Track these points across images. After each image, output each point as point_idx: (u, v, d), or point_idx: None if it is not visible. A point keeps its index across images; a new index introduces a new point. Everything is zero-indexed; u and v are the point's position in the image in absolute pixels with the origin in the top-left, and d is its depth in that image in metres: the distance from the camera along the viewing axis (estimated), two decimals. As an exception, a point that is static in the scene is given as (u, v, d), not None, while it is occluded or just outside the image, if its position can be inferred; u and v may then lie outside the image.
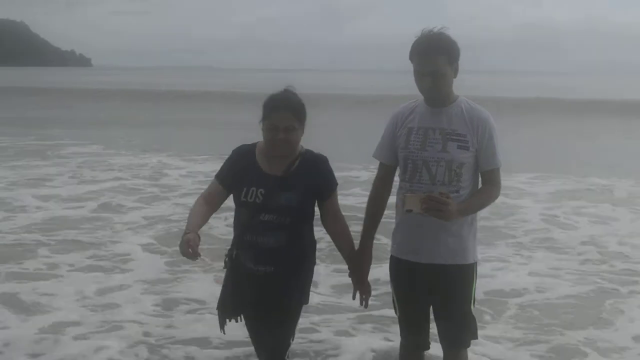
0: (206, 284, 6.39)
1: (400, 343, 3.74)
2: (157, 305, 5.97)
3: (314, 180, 3.39)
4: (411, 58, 3.33)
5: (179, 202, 10.31)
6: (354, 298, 3.61)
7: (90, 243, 8.01)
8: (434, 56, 3.23)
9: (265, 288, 3.40)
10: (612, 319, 5.80)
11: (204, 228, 3.51)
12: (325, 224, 3.52)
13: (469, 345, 3.59)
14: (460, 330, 3.51)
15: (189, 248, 3.20)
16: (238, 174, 3.39)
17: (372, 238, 3.57)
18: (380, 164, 3.57)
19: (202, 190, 3.58)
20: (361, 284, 3.56)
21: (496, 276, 6.93)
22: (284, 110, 3.29)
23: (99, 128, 21.76)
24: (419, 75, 3.30)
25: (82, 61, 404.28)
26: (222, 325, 3.58)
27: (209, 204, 3.46)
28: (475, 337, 3.60)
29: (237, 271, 3.46)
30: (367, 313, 5.35)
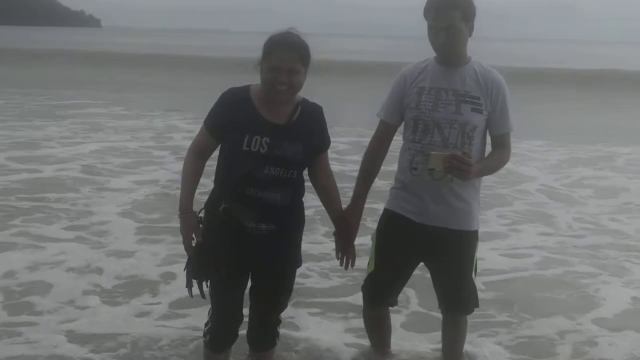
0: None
1: (367, 298, 3.66)
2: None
3: (315, 131, 3.20)
4: (426, 13, 3.24)
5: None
6: (338, 259, 3.46)
7: (65, 209, 7.53)
8: (450, 10, 3.16)
9: (265, 247, 3.15)
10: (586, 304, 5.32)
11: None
12: (314, 178, 3.32)
13: (470, 312, 3.58)
14: (463, 295, 3.49)
15: (190, 240, 3.10)
16: (235, 121, 3.05)
17: (365, 197, 3.46)
18: (382, 122, 3.47)
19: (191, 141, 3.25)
20: (347, 246, 3.40)
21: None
22: (288, 50, 2.99)
23: (117, 91, 21.16)
24: (433, 31, 3.22)
25: (91, 21, 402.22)
26: (190, 286, 3.22)
27: (202, 158, 3.19)
28: (477, 305, 3.57)
29: (224, 227, 3.11)
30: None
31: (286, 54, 2.99)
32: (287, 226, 3.20)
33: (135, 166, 10.07)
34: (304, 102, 3.21)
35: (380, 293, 3.60)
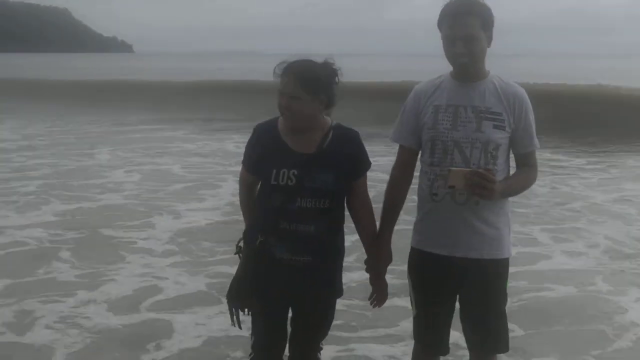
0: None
1: (415, 347, 3.36)
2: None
3: (350, 156, 2.99)
4: (440, 23, 3.00)
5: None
6: (370, 299, 3.19)
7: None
8: (468, 18, 2.91)
9: (301, 279, 3.02)
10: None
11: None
12: (349, 206, 3.12)
13: (504, 351, 3.19)
14: (494, 332, 3.15)
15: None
16: (264, 155, 2.97)
17: (391, 231, 3.20)
18: (401, 147, 3.18)
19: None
20: (376, 279, 3.18)
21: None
22: (288, 76, 2.88)
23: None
24: (450, 41, 2.94)
25: (123, 47, 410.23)
26: (233, 315, 3.13)
27: (252, 191, 3.14)
28: (507, 347, 3.18)
29: (260, 259, 3.03)
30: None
31: (286, 80, 2.88)
32: (324, 257, 3.04)
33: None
34: (337, 127, 3.02)
35: (431, 341, 3.27)
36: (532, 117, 3.06)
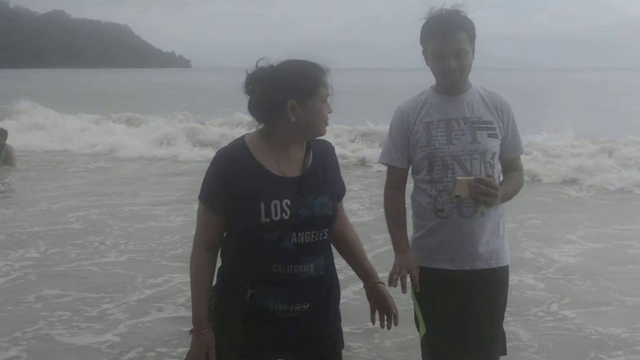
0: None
1: None
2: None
3: (333, 175, 2.65)
4: (428, 38, 2.96)
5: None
6: (373, 321, 2.84)
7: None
8: (458, 32, 2.90)
9: (298, 333, 2.57)
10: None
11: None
12: (334, 229, 2.67)
13: (504, 353, 3.16)
14: (492, 340, 3.09)
15: None
16: (242, 188, 2.44)
17: (407, 240, 3.08)
18: (391, 168, 3.11)
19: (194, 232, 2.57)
20: (384, 300, 2.76)
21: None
22: (328, 78, 2.56)
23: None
24: (440, 57, 2.91)
25: (182, 62, 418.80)
26: None
27: (213, 250, 2.54)
28: (505, 352, 3.16)
29: (251, 316, 2.51)
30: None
31: (328, 83, 2.57)
32: (325, 302, 2.61)
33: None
34: (310, 141, 2.62)
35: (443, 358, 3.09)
36: (516, 122, 3.11)
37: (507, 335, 3.19)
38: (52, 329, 5.14)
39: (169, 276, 6.34)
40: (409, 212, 3.16)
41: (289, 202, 2.45)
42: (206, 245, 2.53)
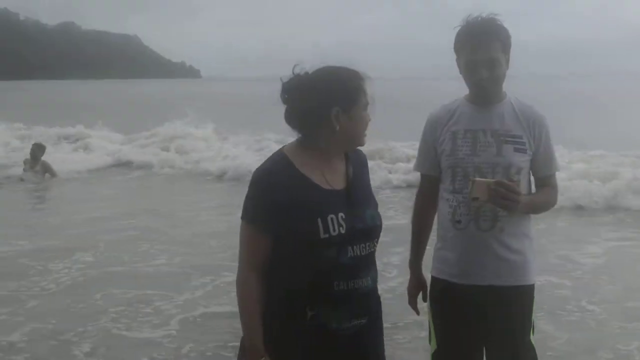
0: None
1: None
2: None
3: (370, 185, 2.61)
4: (461, 47, 2.91)
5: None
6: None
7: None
8: (491, 41, 2.85)
9: (358, 350, 2.47)
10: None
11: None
12: None
13: None
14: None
15: None
16: (292, 202, 2.33)
17: (420, 262, 3.14)
18: (423, 176, 3.12)
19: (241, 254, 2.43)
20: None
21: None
22: (368, 85, 2.47)
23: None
24: (473, 66, 2.87)
25: (191, 72, 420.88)
26: None
27: (262, 272, 2.41)
28: None
29: (312, 338, 2.40)
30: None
31: (369, 90, 2.50)
32: (378, 314, 2.57)
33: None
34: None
35: None
36: (551, 138, 3.00)
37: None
38: (115, 323, 5.58)
39: (215, 276, 6.76)
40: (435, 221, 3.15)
41: (343, 216, 2.37)
42: (254, 267, 2.40)
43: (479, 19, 2.87)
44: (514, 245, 2.91)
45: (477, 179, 2.75)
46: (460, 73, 2.96)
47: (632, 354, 4.94)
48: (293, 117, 2.42)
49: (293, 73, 2.40)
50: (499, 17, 2.88)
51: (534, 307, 3.00)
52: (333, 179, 2.43)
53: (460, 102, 3.02)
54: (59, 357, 4.97)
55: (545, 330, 5.04)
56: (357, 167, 2.52)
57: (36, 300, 6.15)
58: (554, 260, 7.21)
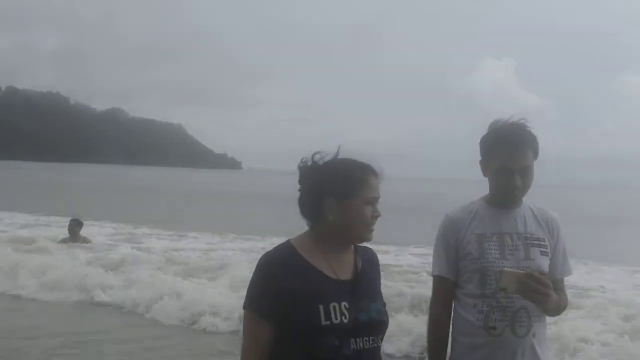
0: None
1: None
2: None
3: (379, 280, 2.58)
4: (494, 153, 2.85)
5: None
6: None
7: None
8: (526, 149, 2.83)
9: None
10: None
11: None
12: None
13: None
14: None
15: None
16: (297, 290, 2.33)
17: None
18: (439, 279, 2.97)
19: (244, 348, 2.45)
20: None
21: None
22: (377, 177, 2.51)
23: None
24: (508, 172, 2.81)
25: (233, 164, 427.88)
26: None
27: (264, 353, 2.39)
28: None
29: None
30: None
31: (377, 181, 2.52)
32: None
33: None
34: (358, 246, 2.56)
35: None
36: (565, 242, 3.00)
37: None
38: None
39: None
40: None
41: (347, 305, 2.34)
42: (256, 357, 2.38)
43: (512, 123, 2.84)
44: (541, 350, 2.86)
45: (506, 269, 2.73)
46: (485, 175, 2.93)
47: None
48: (299, 203, 2.47)
49: (312, 159, 2.45)
50: (528, 123, 2.85)
51: None
52: (340, 269, 2.42)
53: (479, 204, 2.97)
54: None
55: None
56: (366, 263, 2.50)
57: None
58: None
